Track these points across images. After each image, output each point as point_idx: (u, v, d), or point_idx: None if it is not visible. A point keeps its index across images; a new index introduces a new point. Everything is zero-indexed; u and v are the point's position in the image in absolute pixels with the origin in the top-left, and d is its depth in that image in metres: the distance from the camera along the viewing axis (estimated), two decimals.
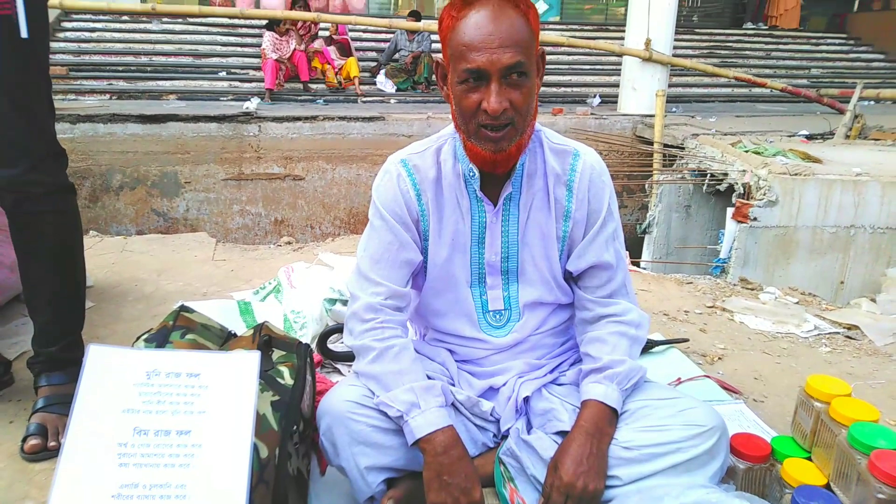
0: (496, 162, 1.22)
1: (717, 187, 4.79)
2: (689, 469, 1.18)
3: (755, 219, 4.14)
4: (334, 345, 1.82)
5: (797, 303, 2.53)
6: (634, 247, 5.56)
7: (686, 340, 2.09)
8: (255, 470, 1.03)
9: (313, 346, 1.83)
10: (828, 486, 1.18)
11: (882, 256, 4.24)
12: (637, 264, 4.68)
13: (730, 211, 4.28)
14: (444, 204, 1.31)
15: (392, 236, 1.28)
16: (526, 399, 1.35)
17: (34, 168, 1.43)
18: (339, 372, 1.78)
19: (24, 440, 1.45)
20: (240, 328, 1.95)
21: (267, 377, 1.21)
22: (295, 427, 1.20)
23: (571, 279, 1.39)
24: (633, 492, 1.17)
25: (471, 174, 1.27)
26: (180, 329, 1.33)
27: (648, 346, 2.01)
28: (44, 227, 1.49)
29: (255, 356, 1.11)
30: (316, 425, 1.26)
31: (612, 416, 1.24)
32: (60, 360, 1.58)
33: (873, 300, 3.55)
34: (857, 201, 4.11)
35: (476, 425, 1.34)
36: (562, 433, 1.26)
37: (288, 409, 1.17)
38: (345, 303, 1.92)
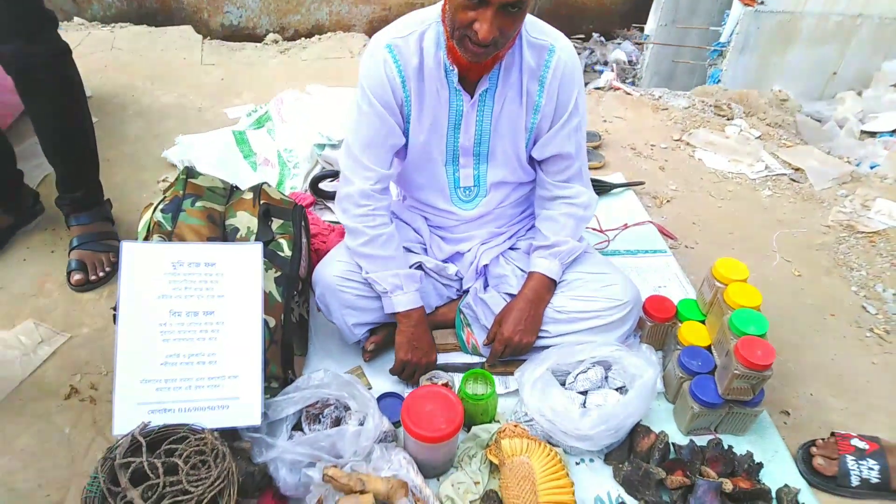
0: (470, 69, 1.33)
1: None
2: (603, 331, 1.53)
3: (762, 2, 4.01)
4: (325, 186, 2.04)
5: (759, 137, 2.68)
6: (642, 10, 5.29)
7: (642, 183, 2.30)
8: (267, 337, 1.34)
9: (306, 185, 2.04)
10: (709, 348, 1.53)
11: (881, 49, 4.16)
12: (641, 30, 4.61)
13: None
14: (426, 92, 1.42)
15: (380, 122, 1.41)
16: (485, 265, 1.64)
17: (31, 40, 1.48)
18: (329, 210, 2.03)
19: (68, 274, 1.75)
20: (236, 159, 2.14)
21: (268, 252, 1.46)
22: (294, 291, 1.49)
23: (535, 162, 1.57)
24: (557, 344, 1.52)
25: (450, 67, 1.37)
26: (190, 197, 1.53)
27: (608, 188, 2.24)
28: (48, 91, 1.60)
29: (257, 248, 1.34)
30: (312, 283, 1.56)
31: (551, 285, 1.55)
32: (84, 202, 1.80)
33: (860, 94, 3.65)
34: None
35: (443, 284, 1.64)
36: (510, 295, 1.58)
37: (288, 280, 1.45)
38: (333, 146, 2.08)
